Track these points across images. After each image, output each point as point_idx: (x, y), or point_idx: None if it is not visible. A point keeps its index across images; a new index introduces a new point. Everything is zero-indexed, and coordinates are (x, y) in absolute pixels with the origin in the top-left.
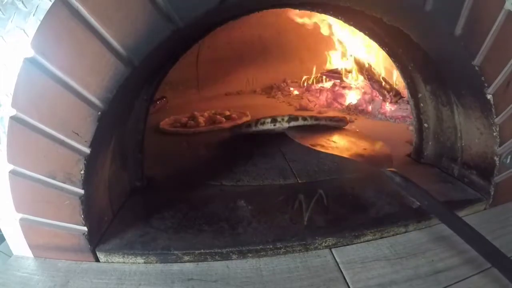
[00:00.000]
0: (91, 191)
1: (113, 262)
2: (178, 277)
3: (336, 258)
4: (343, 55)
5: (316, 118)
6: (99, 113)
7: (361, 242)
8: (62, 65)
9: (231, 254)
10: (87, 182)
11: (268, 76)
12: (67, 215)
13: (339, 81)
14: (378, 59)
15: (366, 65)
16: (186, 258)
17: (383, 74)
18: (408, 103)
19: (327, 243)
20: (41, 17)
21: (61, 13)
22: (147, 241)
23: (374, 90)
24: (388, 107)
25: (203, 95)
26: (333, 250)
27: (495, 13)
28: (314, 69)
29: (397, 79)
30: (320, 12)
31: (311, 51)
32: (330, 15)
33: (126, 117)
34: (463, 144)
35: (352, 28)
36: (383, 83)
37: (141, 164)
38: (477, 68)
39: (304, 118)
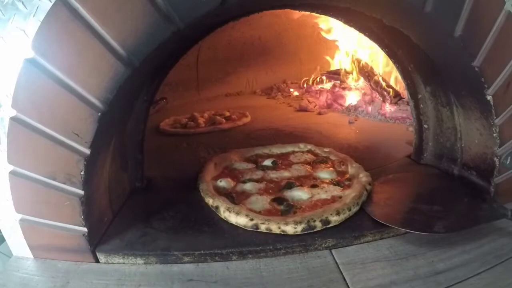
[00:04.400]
0: (91, 192)
1: (113, 262)
2: (178, 278)
3: (336, 259)
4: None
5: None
6: (99, 113)
7: (361, 243)
8: (62, 66)
9: (231, 255)
10: (87, 183)
11: (268, 77)
12: (67, 216)
13: (339, 82)
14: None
15: (366, 66)
16: (186, 259)
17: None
18: (408, 104)
19: (327, 244)
20: (41, 18)
21: (61, 14)
22: (147, 242)
23: (374, 91)
24: (388, 108)
25: (203, 96)
26: (333, 251)
27: (495, 14)
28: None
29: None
30: (320, 13)
31: (311, 52)
32: (330, 16)
33: (126, 117)
34: (462, 145)
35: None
36: (383, 85)
37: (141, 165)
38: (477, 69)
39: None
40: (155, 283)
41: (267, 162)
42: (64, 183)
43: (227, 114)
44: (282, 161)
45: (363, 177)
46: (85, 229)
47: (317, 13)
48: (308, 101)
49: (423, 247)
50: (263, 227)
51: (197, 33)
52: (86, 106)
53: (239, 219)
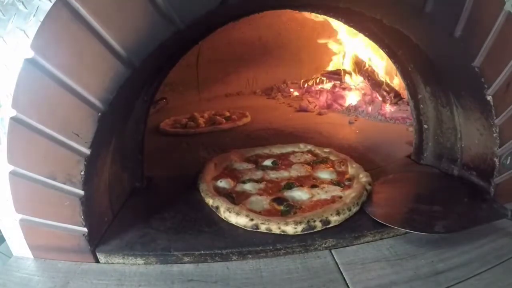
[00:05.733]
0: (91, 192)
1: (113, 263)
2: (178, 278)
3: (336, 259)
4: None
5: None
6: (99, 114)
7: (361, 243)
8: (63, 66)
9: (231, 255)
10: (87, 183)
11: (268, 77)
12: (67, 216)
13: (339, 82)
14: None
15: (366, 66)
16: (186, 259)
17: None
18: (408, 104)
19: (327, 244)
20: (42, 18)
21: (61, 14)
22: (147, 242)
23: (374, 91)
24: (388, 108)
25: (203, 96)
26: (333, 251)
27: (495, 14)
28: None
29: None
30: (321, 14)
31: (311, 52)
32: (331, 16)
33: (126, 118)
34: (462, 145)
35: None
36: (384, 85)
37: (141, 165)
38: (477, 69)
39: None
40: (155, 283)
41: (267, 162)
42: (64, 183)
43: (227, 114)
44: (282, 161)
45: (363, 177)
46: (85, 229)
47: (318, 13)
48: (308, 101)
49: (423, 247)
50: (263, 227)
51: (197, 33)
52: (86, 106)
53: (239, 219)
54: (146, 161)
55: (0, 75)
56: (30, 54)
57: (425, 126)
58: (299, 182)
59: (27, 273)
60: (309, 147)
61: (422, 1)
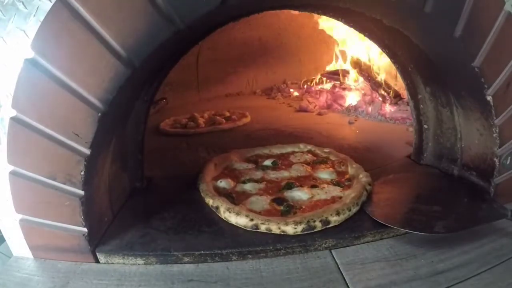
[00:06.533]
0: (91, 192)
1: (113, 263)
2: (178, 278)
3: (336, 259)
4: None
5: None
6: (99, 114)
7: (360, 243)
8: (63, 66)
9: (231, 255)
10: (87, 183)
11: (268, 77)
12: (67, 216)
13: (339, 82)
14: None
15: (365, 66)
16: (186, 259)
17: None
18: (407, 104)
19: (327, 244)
20: (42, 18)
21: (61, 14)
22: (147, 242)
23: (374, 92)
24: (388, 108)
25: (203, 96)
26: (333, 251)
27: (495, 15)
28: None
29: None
30: (321, 14)
31: (311, 52)
32: (330, 16)
33: (126, 118)
34: (462, 145)
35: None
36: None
37: (141, 165)
38: (477, 70)
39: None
40: (155, 283)
41: (267, 162)
42: (64, 183)
43: (227, 114)
44: (282, 161)
45: (363, 177)
46: (85, 230)
47: (317, 13)
48: (308, 101)
49: (423, 247)
50: (263, 228)
51: (197, 33)
52: (86, 106)
53: (239, 220)
54: (146, 161)
55: (0, 75)
56: (30, 54)
57: (425, 126)
58: (299, 182)
59: (27, 273)
60: (309, 147)
61: (422, 1)
